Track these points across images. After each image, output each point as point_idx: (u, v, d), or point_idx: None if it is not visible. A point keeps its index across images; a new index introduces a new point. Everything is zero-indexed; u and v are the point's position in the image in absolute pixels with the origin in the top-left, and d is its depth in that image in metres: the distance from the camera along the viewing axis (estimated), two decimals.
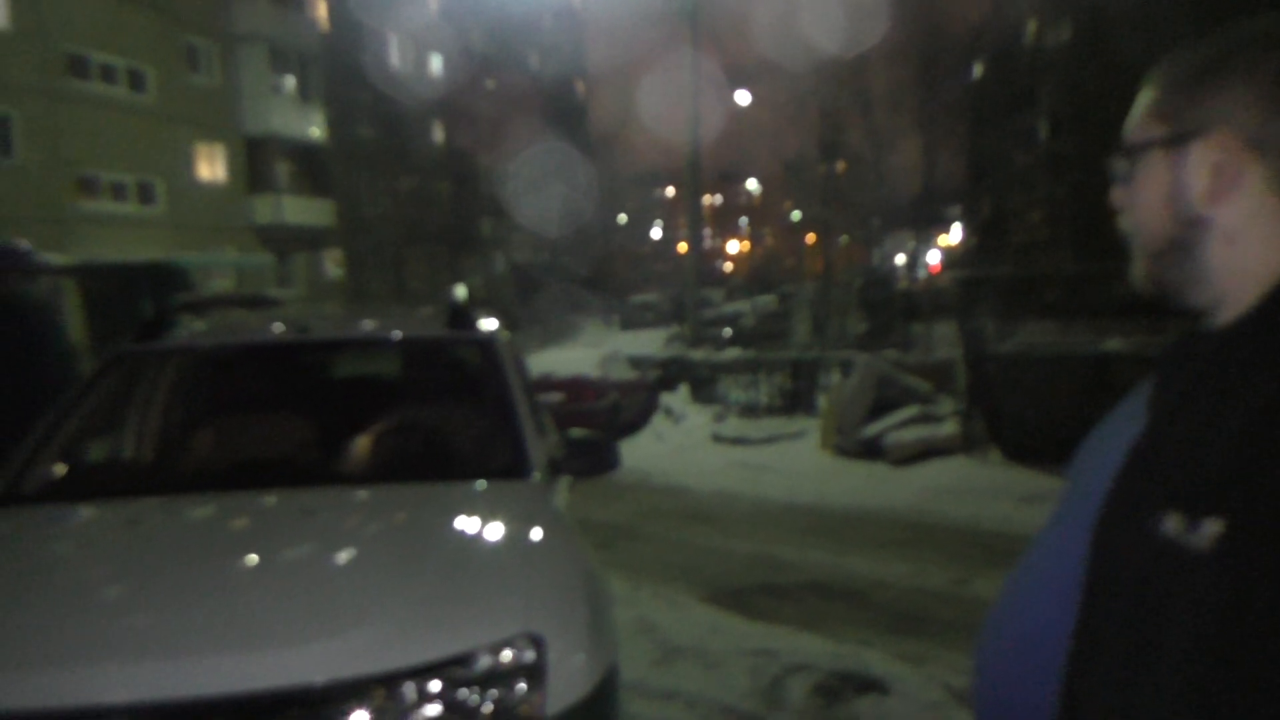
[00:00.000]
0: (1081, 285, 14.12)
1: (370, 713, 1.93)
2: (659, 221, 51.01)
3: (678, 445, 12.01)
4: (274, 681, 1.92)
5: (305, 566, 2.43)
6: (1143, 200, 0.92)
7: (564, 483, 3.26)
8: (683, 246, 34.44)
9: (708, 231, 57.72)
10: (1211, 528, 0.74)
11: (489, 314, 3.81)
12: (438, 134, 36.75)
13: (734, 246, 60.69)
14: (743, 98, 27.57)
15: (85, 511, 2.93)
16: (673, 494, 9.36)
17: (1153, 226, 0.91)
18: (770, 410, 12.47)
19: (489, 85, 36.74)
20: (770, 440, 11.22)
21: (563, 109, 42.87)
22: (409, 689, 1.97)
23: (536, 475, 3.02)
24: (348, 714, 1.93)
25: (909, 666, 4.33)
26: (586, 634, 2.26)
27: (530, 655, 2.09)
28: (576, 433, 3.30)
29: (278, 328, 3.80)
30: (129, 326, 3.67)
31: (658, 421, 13.54)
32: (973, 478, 8.48)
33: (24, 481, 3.01)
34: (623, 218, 38.61)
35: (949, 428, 9.58)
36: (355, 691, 1.94)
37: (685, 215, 26.55)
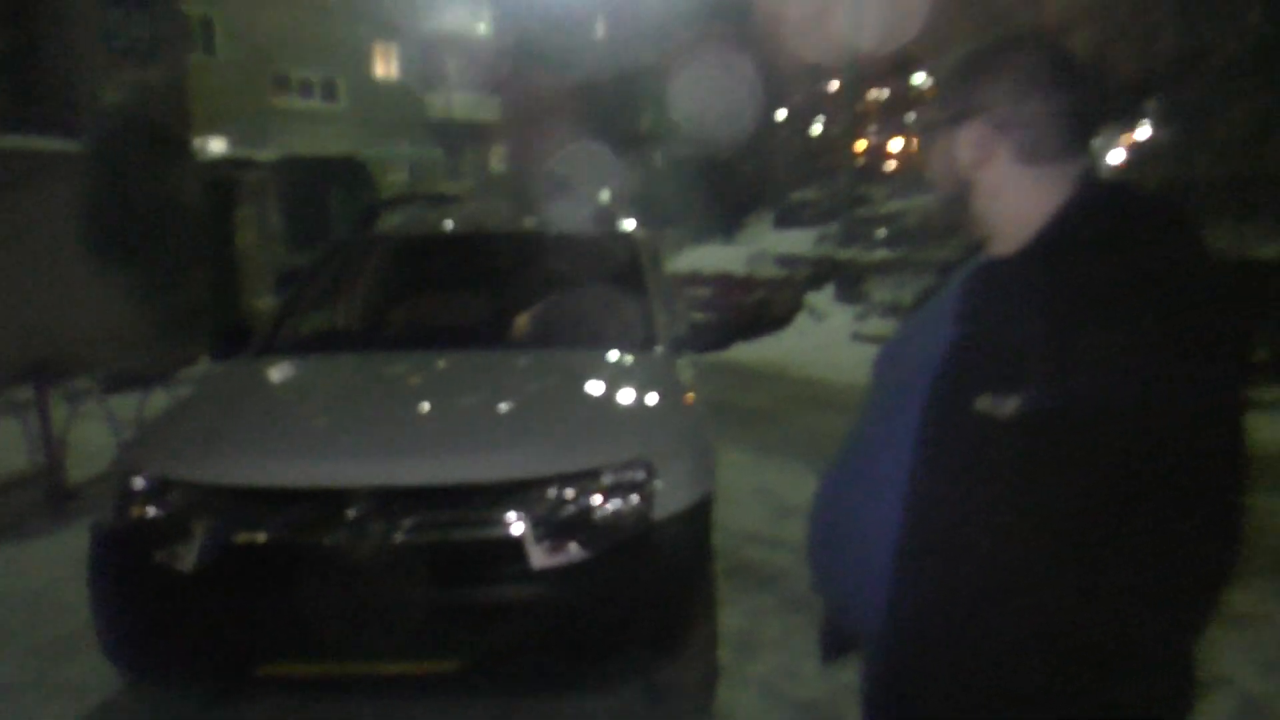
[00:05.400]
0: None
1: (525, 505, 2.68)
2: (821, 117, 49.61)
3: (819, 342, 12.46)
4: (463, 477, 2.70)
5: (482, 401, 3.22)
6: (933, 163, 1.29)
7: (686, 357, 3.93)
8: (860, 145, 33.45)
9: (872, 128, 55.53)
10: (1012, 402, 1.06)
11: (629, 214, 4.48)
12: (600, 30, 36.99)
13: (898, 145, 58.21)
14: None
15: (322, 359, 3.84)
16: (808, 385, 9.91)
17: (940, 181, 1.29)
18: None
19: None
20: None
21: (726, 2, 42.04)
22: (553, 489, 2.71)
23: (659, 349, 3.71)
24: (511, 505, 2.68)
25: None
26: (688, 467, 2.95)
27: (642, 475, 2.79)
28: (697, 317, 3.96)
29: (462, 219, 4.62)
30: (321, 216, 4.54)
31: (801, 319, 13.99)
32: None
33: (276, 339, 3.94)
34: (781, 113, 37.88)
35: None
36: (516, 488, 2.69)
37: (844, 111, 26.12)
